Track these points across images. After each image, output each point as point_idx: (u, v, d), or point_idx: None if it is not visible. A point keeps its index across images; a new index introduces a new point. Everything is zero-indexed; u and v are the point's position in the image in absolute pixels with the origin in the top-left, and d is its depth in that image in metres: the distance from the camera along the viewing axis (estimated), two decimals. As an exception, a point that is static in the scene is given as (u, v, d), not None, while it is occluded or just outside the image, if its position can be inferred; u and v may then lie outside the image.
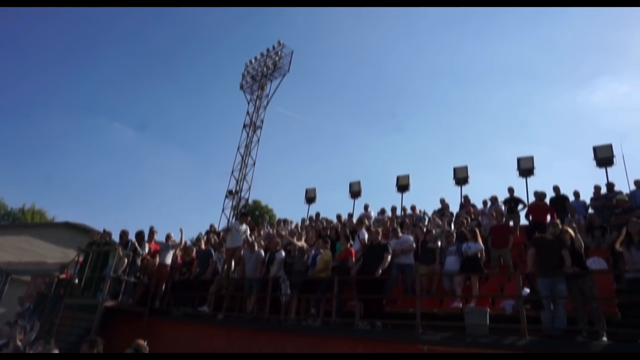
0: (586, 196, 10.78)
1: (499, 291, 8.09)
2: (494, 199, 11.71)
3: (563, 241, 6.43)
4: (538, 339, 5.64)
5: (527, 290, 6.61)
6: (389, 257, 7.78)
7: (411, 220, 11.66)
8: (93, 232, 12.87)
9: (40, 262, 18.09)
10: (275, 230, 13.53)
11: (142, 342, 5.13)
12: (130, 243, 10.39)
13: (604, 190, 10.61)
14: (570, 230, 6.40)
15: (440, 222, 10.84)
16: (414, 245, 8.85)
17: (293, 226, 14.24)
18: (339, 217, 13.51)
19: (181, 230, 11.87)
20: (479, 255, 8.10)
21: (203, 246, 11.20)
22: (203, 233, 14.61)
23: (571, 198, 10.83)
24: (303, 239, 10.25)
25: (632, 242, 6.11)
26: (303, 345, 7.38)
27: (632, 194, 9.90)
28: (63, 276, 11.56)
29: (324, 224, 13.44)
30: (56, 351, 4.47)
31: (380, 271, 7.51)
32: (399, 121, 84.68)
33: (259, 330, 8.32)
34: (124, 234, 10.69)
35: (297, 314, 8.42)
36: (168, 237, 11.32)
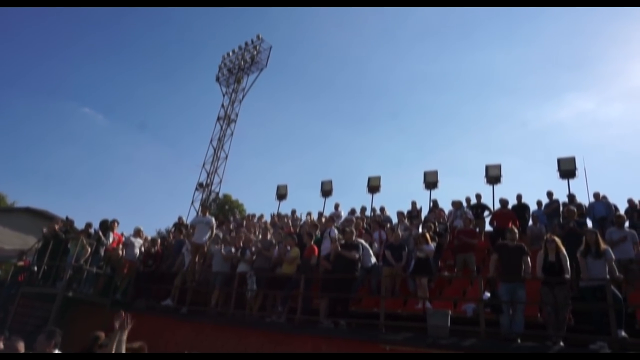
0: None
1: (461, 294, 8.31)
2: (459, 203, 11.90)
3: (524, 248, 6.69)
4: (496, 342, 5.84)
5: (488, 294, 6.81)
6: (357, 255, 7.82)
7: (380, 220, 11.79)
8: (56, 220, 12.47)
9: (-3, 249, 17.39)
10: (246, 227, 13.45)
11: (102, 334, 5.01)
12: (94, 232, 10.12)
13: (563, 199, 11.04)
14: (557, 240, 6.60)
15: (408, 224, 10.99)
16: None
17: (263, 222, 14.16)
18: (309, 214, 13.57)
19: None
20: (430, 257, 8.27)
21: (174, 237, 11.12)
22: (171, 226, 14.39)
23: (534, 207, 11.21)
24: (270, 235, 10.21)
25: (589, 252, 6.37)
26: (267, 342, 7.38)
27: (591, 206, 10.33)
28: (21, 263, 11.15)
29: (298, 221, 13.49)
30: (22, 343, 4.32)
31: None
32: (373, 122, 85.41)
33: (223, 325, 8.27)
34: (87, 226, 10.43)
35: (263, 309, 8.41)
36: (138, 232, 11.06)
